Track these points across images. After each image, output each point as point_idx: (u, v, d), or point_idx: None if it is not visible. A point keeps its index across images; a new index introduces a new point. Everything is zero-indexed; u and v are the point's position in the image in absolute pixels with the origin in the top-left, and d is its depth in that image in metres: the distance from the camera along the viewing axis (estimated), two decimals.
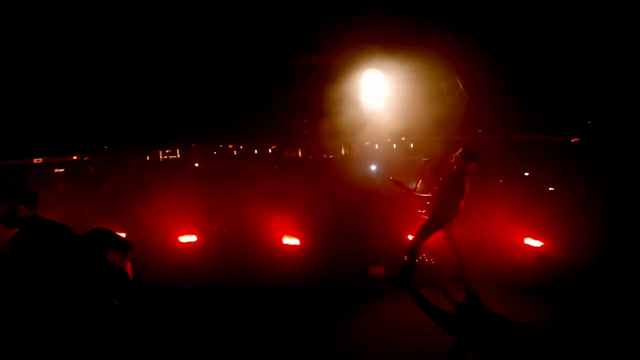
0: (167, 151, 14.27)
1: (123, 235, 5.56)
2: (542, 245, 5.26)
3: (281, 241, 5.83)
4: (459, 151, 4.47)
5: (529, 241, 5.34)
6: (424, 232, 4.56)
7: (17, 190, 2.26)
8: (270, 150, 13.16)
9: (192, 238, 5.99)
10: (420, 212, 4.99)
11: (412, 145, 11.92)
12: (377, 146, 12.77)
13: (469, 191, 4.45)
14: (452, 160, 4.51)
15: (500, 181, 7.69)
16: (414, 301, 4.36)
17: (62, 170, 9.87)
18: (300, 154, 12.10)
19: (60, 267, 2.17)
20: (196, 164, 11.37)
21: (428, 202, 4.75)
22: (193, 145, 13.02)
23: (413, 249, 4.67)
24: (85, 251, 2.28)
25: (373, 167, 9.78)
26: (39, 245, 2.17)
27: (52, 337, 2.15)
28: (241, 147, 13.74)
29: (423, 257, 5.35)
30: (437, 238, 4.75)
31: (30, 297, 2.14)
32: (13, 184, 2.29)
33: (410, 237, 5.43)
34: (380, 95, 8.10)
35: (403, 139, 12.31)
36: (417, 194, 4.82)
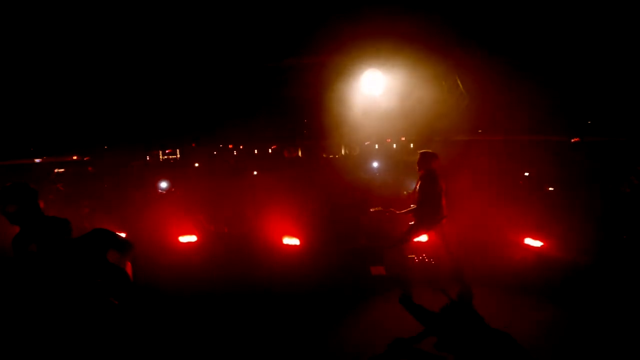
0: (167, 151, 14.28)
1: (123, 235, 5.56)
2: (542, 245, 5.26)
3: (281, 241, 5.83)
4: (418, 156, 4.50)
5: (529, 241, 5.34)
6: (410, 234, 4.53)
7: (21, 190, 2.26)
8: (270, 150, 13.17)
9: (192, 238, 5.99)
10: (411, 224, 4.99)
11: (412, 145, 11.92)
12: (377, 146, 12.78)
13: (446, 188, 4.46)
14: (417, 167, 4.53)
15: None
16: (414, 302, 4.35)
17: (62, 170, 9.87)
18: (300, 153, 12.10)
19: (61, 267, 2.18)
20: (196, 164, 11.37)
21: (412, 214, 4.72)
22: (193, 145, 13.03)
23: (398, 248, 4.60)
24: (85, 251, 2.28)
25: (373, 167, 9.77)
26: (41, 244, 2.17)
27: (52, 337, 2.15)
28: (241, 147, 13.75)
29: (423, 257, 5.35)
30: (436, 238, 4.74)
31: (32, 297, 2.14)
32: (16, 183, 2.29)
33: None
34: (380, 95, 8.10)
35: (403, 139, 12.32)
36: (400, 212, 4.79)
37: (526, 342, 3.51)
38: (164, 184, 7.89)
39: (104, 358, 2.25)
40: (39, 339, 2.16)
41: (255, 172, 9.44)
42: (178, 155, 14.04)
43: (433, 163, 4.44)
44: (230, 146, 13.63)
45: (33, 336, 2.16)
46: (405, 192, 5.11)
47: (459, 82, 7.82)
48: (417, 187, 4.49)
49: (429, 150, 4.51)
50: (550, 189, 7.29)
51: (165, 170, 10.72)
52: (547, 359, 3.33)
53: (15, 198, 2.22)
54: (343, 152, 13.48)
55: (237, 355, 3.45)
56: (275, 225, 6.09)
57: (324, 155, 12.43)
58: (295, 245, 5.78)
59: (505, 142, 9.13)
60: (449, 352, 3.44)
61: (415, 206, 4.51)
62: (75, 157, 10.96)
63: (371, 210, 4.99)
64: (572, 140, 8.89)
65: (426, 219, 4.42)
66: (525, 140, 9.23)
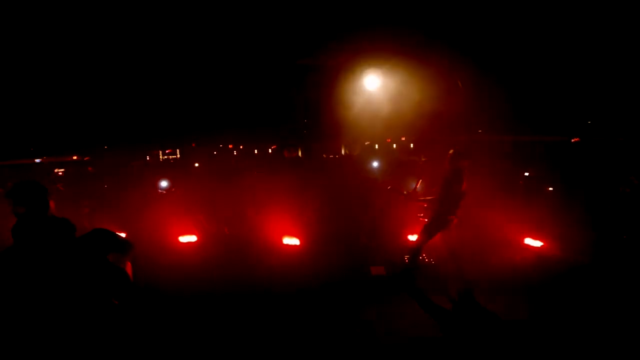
0: (167, 151, 14.30)
1: (123, 235, 5.55)
2: (542, 245, 5.26)
3: (281, 241, 5.82)
4: (450, 151, 4.48)
5: (529, 241, 5.34)
6: (426, 234, 4.56)
7: (32, 190, 2.27)
8: (270, 150, 13.18)
9: (192, 238, 5.98)
10: (420, 216, 4.98)
11: (412, 145, 11.94)
12: (377, 146, 12.79)
13: (466, 189, 4.45)
14: (446, 162, 4.51)
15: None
16: (414, 301, 4.36)
17: (62, 170, 9.87)
18: (300, 154, 12.09)
19: (62, 266, 2.17)
20: (196, 164, 11.38)
21: (425, 205, 4.73)
22: (193, 145, 13.05)
23: (416, 251, 4.68)
24: (85, 251, 2.28)
25: (374, 166, 9.77)
26: (46, 244, 2.17)
27: (52, 337, 2.15)
28: (241, 147, 13.78)
29: (423, 257, 5.34)
30: (436, 238, 4.74)
31: (33, 297, 2.14)
32: (27, 182, 2.29)
33: (410, 238, 5.43)
34: (380, 96, 8.10)
35: (403, 139, 12.34)
36: (416, 200, 4.81)
37: (526, 343, 3.51)
38: (164, 184, 7.88)
39: (104, 358, 2.25)
40: (39, 339, 2.15)
41: (255, 172, 9.43)
42: (178, 155, 14.06)
43: (462, 162, 4.39)
44: (230, 146, 13.66)
45: (33, 336, 2.16)
46: (405, 192, 5.10)
47: (458, 83, 7.83)
48: (441, 182, 4.47)
49: (461, 149, 4.47)
50: (550, 189, 7.29)
51: (165, 170, 10.72)
52: (547, 358, 3.33)
53: (26, 198, 2.22)
54: (343, 152, 13.49)
55: (237, 355, 3.45)
56: (275, 225, 6.08)
57: (324, 156, 12.43)
58: (295, 245, 5.78)
59: (505, 142, 9.13)
60: (449, 352, 3.44)
61: (432, 198, 4.50)
62: (75, 157, 10.96)
63: (388, 188, 4.99)
64: (572, 140, 8.90)
65: (440, 217, 4.42)
66: (525, 140, 9.23)
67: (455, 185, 4.36)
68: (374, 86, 7.88)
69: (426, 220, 4.67)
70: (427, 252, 5.35)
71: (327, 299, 4.44)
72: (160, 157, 14.13)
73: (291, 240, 5.79)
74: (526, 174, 8.07)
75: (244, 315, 4.10)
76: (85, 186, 8.18)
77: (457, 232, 4.62)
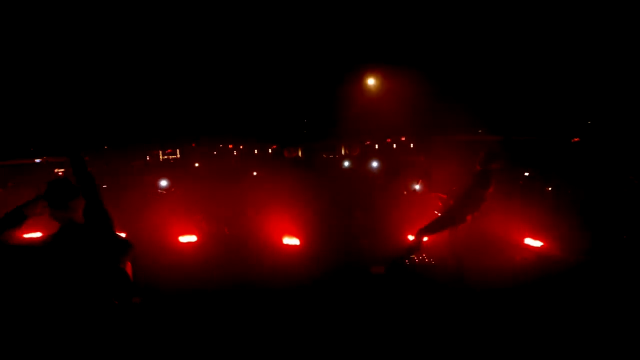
0: (167, 151, 14.30)
1: (123, 235, 5.54)
2: (542, 245, 5.25)
3: (281, 241, 5.82)
4: (482, 152, 4.46)
5: (529, 241, 5.33)
6: (432, 229, 4.53)
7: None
8: (270, 150, 13.17)
9: (192, 238, 5.98)
10: (436, 213, 4.97)
11: (412, 145, 11.93)
12: (377, 146, 12.78)
13: (492, 193, 4.43)
14: (476, 162, 4.48)
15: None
16: (414, 301, 4.36)
17: (62, 170, 9.86)
18: (300, 153, 12.09)
19: (64, 266, 2.18)
20: (196, 164, 11.38)
21: (445, 197, 4.69)
22: (193, 145, 13.05)
23: (415, 245, 4.66)
24: (85, 251, 2.28)
25: (373, 166, 9.77)
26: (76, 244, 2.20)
27: (52, 337, 2.15)
28: (241, 147, 13.77)
29: (423, 256, 5.34)
30: (438, 237, 4.74)
31: (34, 296, 2.15)
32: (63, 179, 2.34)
33: (410, 238, 5.42)
34: (379, 98, 8.11)
35: (403, 139, 12.34)
36: (440, 195, 4.81)
37: (525, 343, 3.51)
38: (164, 184, 7.88)
39: (104, 358, 2.25)
40: (39, 337, 2.15)
41: (255, 173, 9.43)
42: (178, 155, 14.07)
43: (493, 164, 4.38)
44: (230, 146, 13.66)
45: (33, 336, 2.16)
46: (405, 192, 5.11)
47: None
48: (469, 181, 4.46)
49: (493, 151, 4.46)
50: (550, 189, 7.30)
51: (165, 170, 10.71)
52: (547, 359, 3.33)
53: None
54: (343, 152, 13.48)
55: (237, 355, 3.46)
56: (275, 225, 6.08)
57: (324, 156, 12.43)
58: (295, 245, 5.77)
59: (506, 142, 9.13)
60: (449, 352, 3.44)
61: (454, 195, 4.49)
62: None
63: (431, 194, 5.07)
64: (572, 140, 8.90)
65: (455, 216, 4.40)
66: (526, 140, 9.23)
67: (481, 187, 4.35)
68: (374, 89, 7.89)
69: (439, 214, 4.65)
70: (427, 252, 5.35)
71: (327, 299, 4.44)
72: (160, 157, 14.12)
73: (291, 240, 5.78)
74: (526, 174, 8.06)
75: (244, 315, 4.10)
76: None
77: (463, 233, 4.61)
